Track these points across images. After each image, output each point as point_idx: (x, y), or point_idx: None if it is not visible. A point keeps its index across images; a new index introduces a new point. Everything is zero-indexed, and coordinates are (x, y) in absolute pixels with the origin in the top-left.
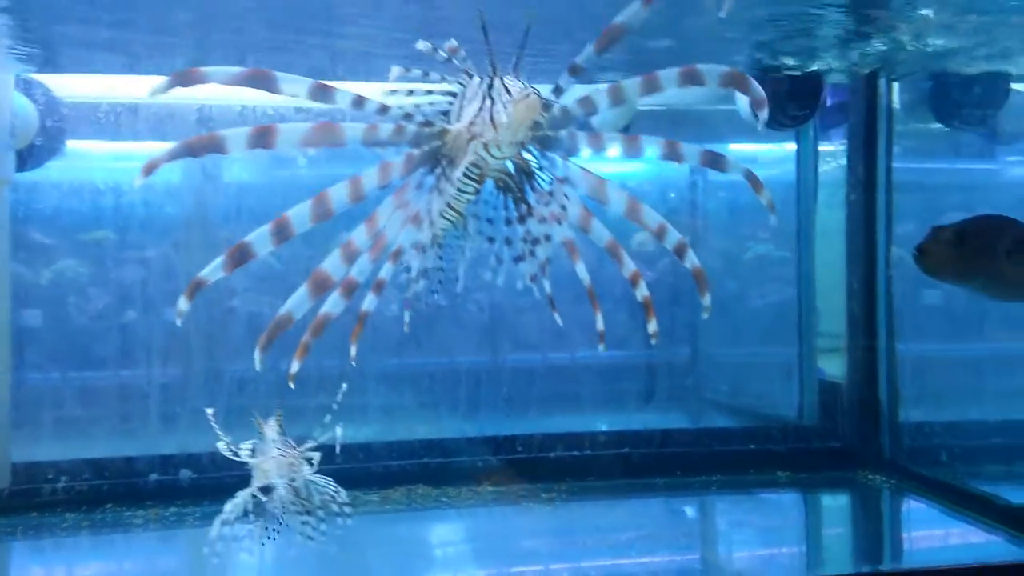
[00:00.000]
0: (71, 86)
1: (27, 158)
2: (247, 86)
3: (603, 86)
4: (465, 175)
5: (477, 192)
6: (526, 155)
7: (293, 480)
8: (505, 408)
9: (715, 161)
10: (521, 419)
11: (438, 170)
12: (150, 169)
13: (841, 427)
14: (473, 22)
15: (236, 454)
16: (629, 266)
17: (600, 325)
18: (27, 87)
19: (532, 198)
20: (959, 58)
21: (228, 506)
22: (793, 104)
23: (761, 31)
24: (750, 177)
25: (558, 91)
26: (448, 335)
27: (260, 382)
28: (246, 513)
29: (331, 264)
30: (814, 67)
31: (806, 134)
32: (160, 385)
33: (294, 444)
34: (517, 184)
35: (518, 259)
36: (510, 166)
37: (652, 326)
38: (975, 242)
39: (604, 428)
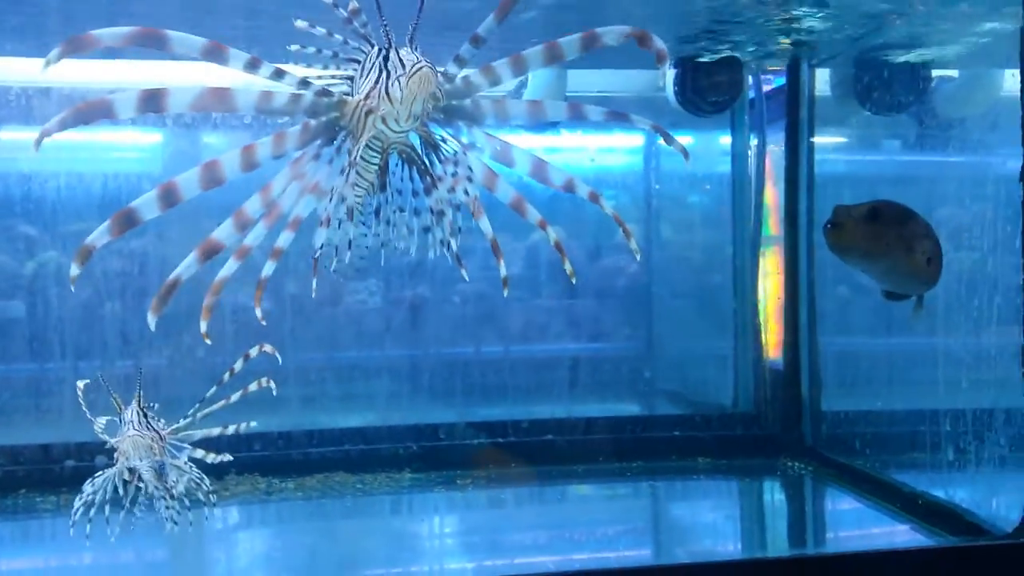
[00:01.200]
0: None
1: None
2: (139, 45)
3: (505, 59)
4: (367, 147)
5: (383, 165)
6: (429, 128)
7: (155, 463)
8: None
9: (620, 117)
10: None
11: (336, 142)
12: (41, 138)
13: (765, 415)
14: None
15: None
16: (534, 215)
17: (503, 272)
18: None
19: (438, 169)
20: (876, 42)
21: (87, 486)
22: (712, 91)
23: (681, 23)
24: (658, 130)
25: (460, 61)
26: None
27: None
28: (116, 494)
29: (223, 232)
30: (731, 53)
31: (740, 124)
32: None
33: (154, 426)
34: (420, 157)
35: (426, 229)
36: (414, 139)
37: (568, 266)
38: (888, 223)
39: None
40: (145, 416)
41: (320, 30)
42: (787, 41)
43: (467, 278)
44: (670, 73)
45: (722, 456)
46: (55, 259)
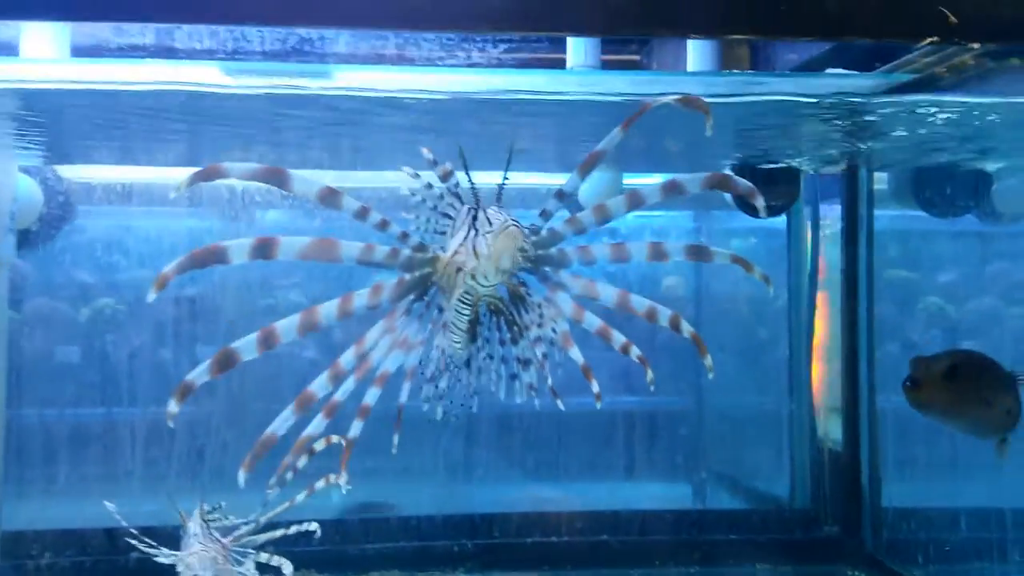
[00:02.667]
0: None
1: (33, 238)
2: (262, 182)
3: (589, 209)
4: (459, 300)
5: (475, 317)
6: (515, 281)
7: (221, 573)
8: None
9: (700, 253)
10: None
11: (427, 297)
12: (162, 283)
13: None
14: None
15: (156, 550)
16: (619, 340)
17: (596, 388)
18: (33, 171)
19: (524, 318)
20: (937, 154)
21: None
22: (768, 196)
23: (743, 142)
24: (739, 261)
25: (545, 215)
26: None
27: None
28: None
29: (318, 385)
30: (792, 163)
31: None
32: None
33: (219, 538)
34: (508, 308)
35: (513, 376)
36: (502, 291)
37: (649, 375)
38: (967, 379)
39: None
40: (208, 526)
41: (422, 178)
42: (845, 157)
43: (563, 407)
44: None
45: (780, 561)
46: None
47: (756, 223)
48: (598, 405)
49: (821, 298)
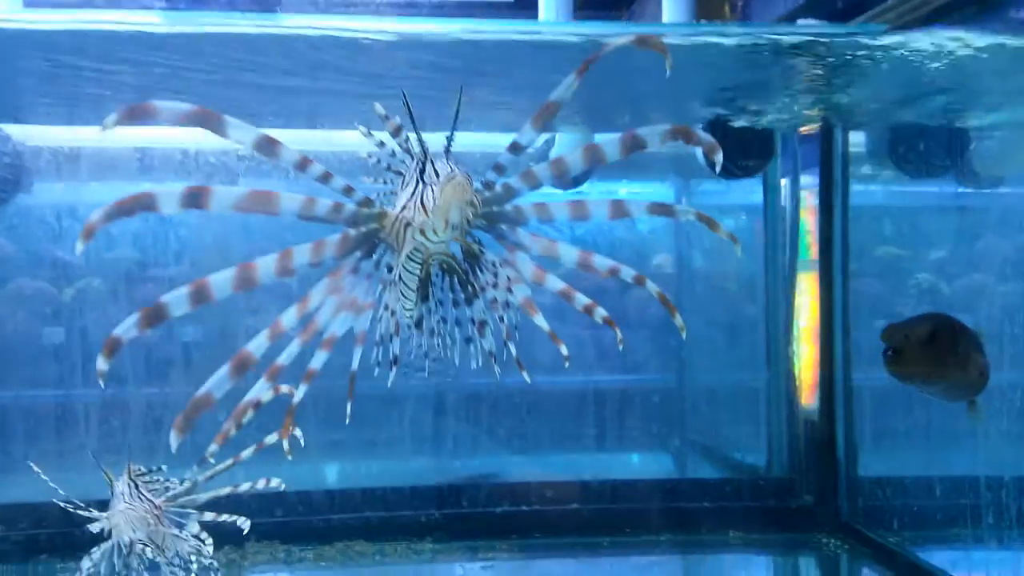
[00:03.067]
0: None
1: None
2: (194, 125)
3: (546, 163)
4: (409, 258)
5: (425, 276)
6: (469, 240)
7: (153, 534)
8: None
9: (664, 210)
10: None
11: (376, 255)
12: (89, 233)
13: (799, 484)
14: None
15: (80, 509)
16: (582, 301)
17: (565, 351)
18: None
19: (480, 279)
20: (914, 107)
21: (85, 563)
22: (743, 155)
23: (718, 97)
24: (703, 219)
25: (499, 169)
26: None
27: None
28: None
29: (256, 345)
30: (764, 121)
31: (774, 167)
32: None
33: (149, 498)
34: (461, 267)
35: (468, 340)
36: (454, 249)
37: (618, 335)
38: (945, 344)
39: None
40: (137, 486)
41: (375, 137)
42: (818, 111)
43: (528, 380)
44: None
45: (754, 529)
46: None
47: (744, 201)
48: (566, 365)
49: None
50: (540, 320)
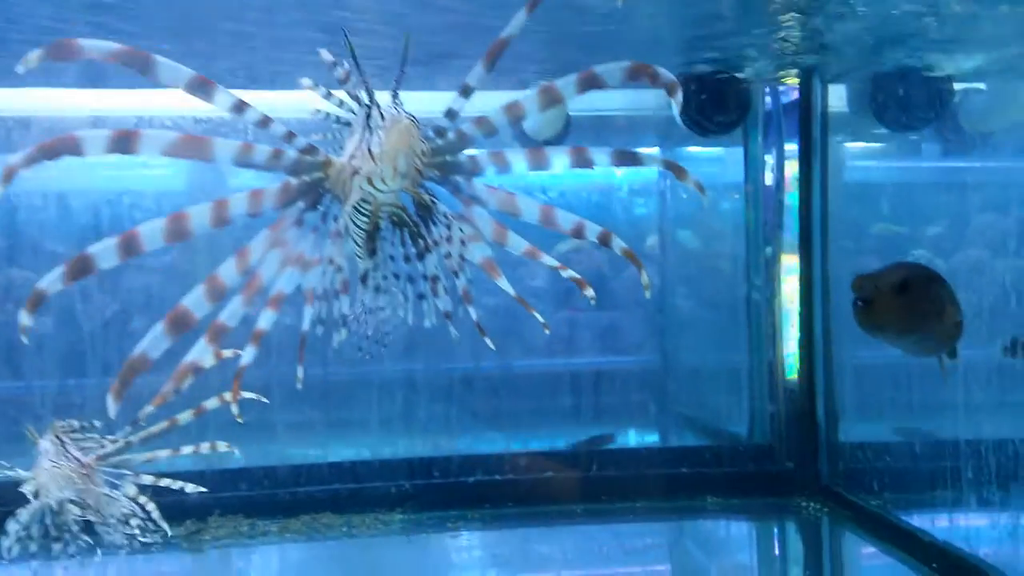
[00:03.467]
0: None
1: None
2: (124, 64)
3: (499, 105)
4: (356, 210)
5: (372, 229)
6: (420, 189)
7: (84, 494)
8: None
9: (628, 158)
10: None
11: (321, 207)
12: (9, 176)
13: (779, 449)
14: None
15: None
16: (550, 261)
17: (542, 318)
18: None
19: (435, 232)
20: (897, 51)
21: (11, 525)
22: (718, 110)
23: (690, 45)
24: (670, 166)
25: (450, 115)
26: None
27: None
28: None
29: (193, 301)
30: (741, 73)
31: (754, 138)
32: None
33: (77, 456)
34: (412, 219)
35: (421, 297)
36: (405, 200)
37: (589, 292)
38: (918, 292)
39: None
40: (63, 444)
41: (321, 89)
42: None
43: (492, 346)
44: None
45: (733, 494)
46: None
47: (727, 179)
48: (547, 332)
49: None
50: (504, 283)
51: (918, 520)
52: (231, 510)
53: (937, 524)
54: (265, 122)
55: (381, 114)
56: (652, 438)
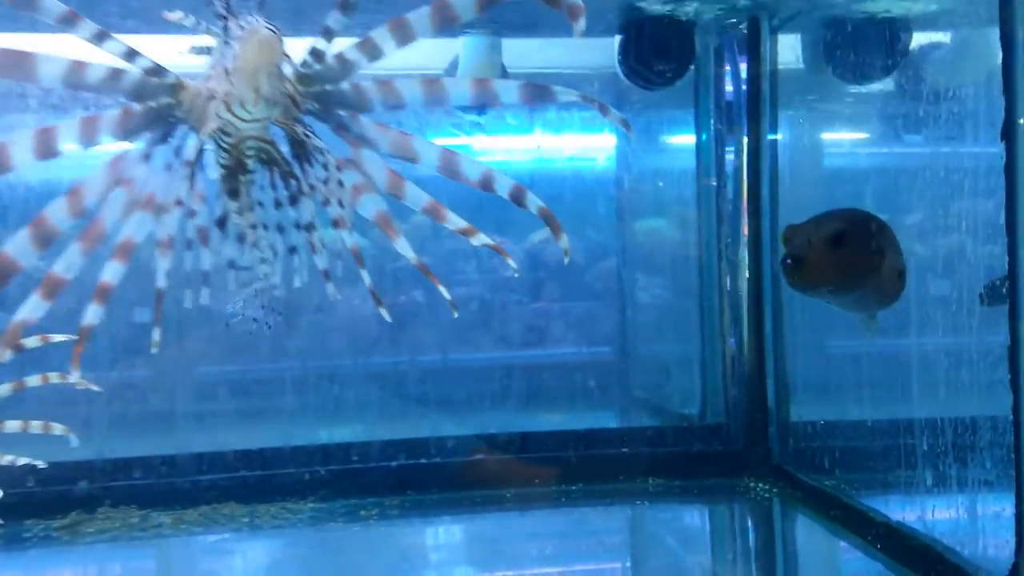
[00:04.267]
0: None
1: None
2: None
3: (384, 27)
4: (217, 144)
5: (233, 166)
6: (295, 123)
7: None
8: None
9: (537, 91)
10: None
11: (174, 140)
12: None
13: (727, 427)
14: None
15: None
16: (457, 223)
17: (447, 294)
18: None
19: (314, 173)
20: None
21: None
22: (659, 58)
23: None
24: (585, 99)
25: (328, 34)
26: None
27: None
28: None
29: (18, 247)
30: (684, 12)
31: (706, 119)
32: None
33: None
34: (282, 157)
35: (292, 250)
36: (272, 134)
37: (511, 263)
38: (856, 243)
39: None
40: None
41: (190, 19)
42: None
43: (388, 318)
44: (615, 41)
45: (676, 475)
46: None
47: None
48: (455, 315)
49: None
50: (403, 246)
51: (871, 500)
52: (123, 500)
53: (891, 503)
54: (102, 36)
55: (240, 25)
56: (603, 421)
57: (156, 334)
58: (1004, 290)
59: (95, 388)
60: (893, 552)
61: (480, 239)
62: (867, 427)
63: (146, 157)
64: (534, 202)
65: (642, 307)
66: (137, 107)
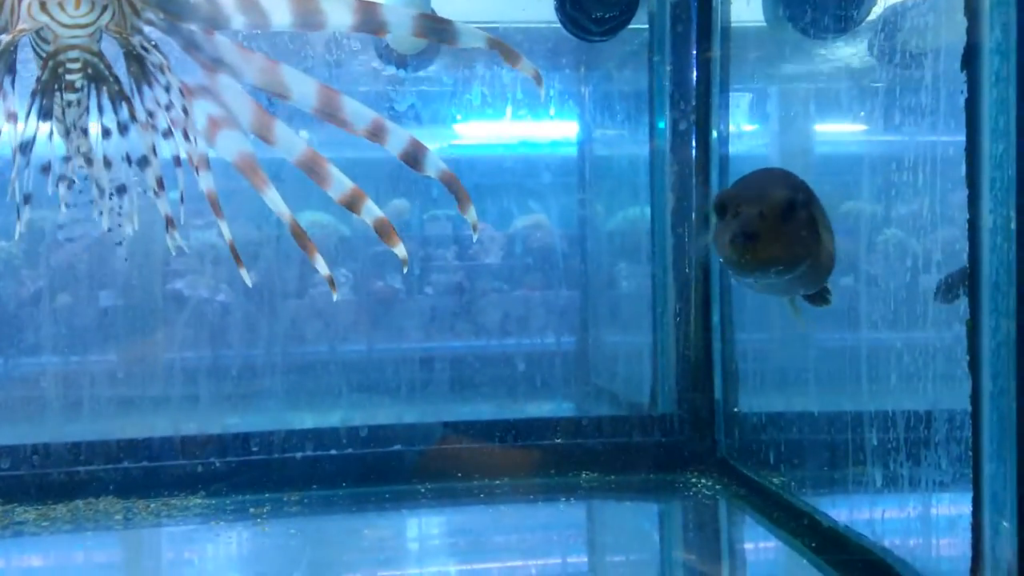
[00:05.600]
0: None
1: None
2: None
3: None
4: (34, 53)
5: (48, 80)
6: (130, 31)
7: None
8: None
9: (433, 23)
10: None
11: None
12: None
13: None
14: None
15: None
16: (343, 184)
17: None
18: None
19: (153, 96)
20: None
21: None
22: (598, 4)
23: None
24: (496, 45)
25: None
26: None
27: None
28: None
29: None
30: None
31: (661, 102)
32: None
33: None
34: (112, 74)
35: (121, 190)
36: (99, 46)
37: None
38: (803, 210)
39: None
40: None
41: None
42: None
43: (249, 282)
44: None
45: (611, 469)
46: None
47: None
48: (334, 297)
49: None
50: (273, 199)
51: (817, 499)
52: None
53: (838, 503)
54: None
55: None
56: (554, 410)
57: None
58: (960, 289)
59: None
60: (841, 562)
61: (368, 213)
62: (815, 419)
63: None
64: (435, 165)
65: (603, 294)
66: None
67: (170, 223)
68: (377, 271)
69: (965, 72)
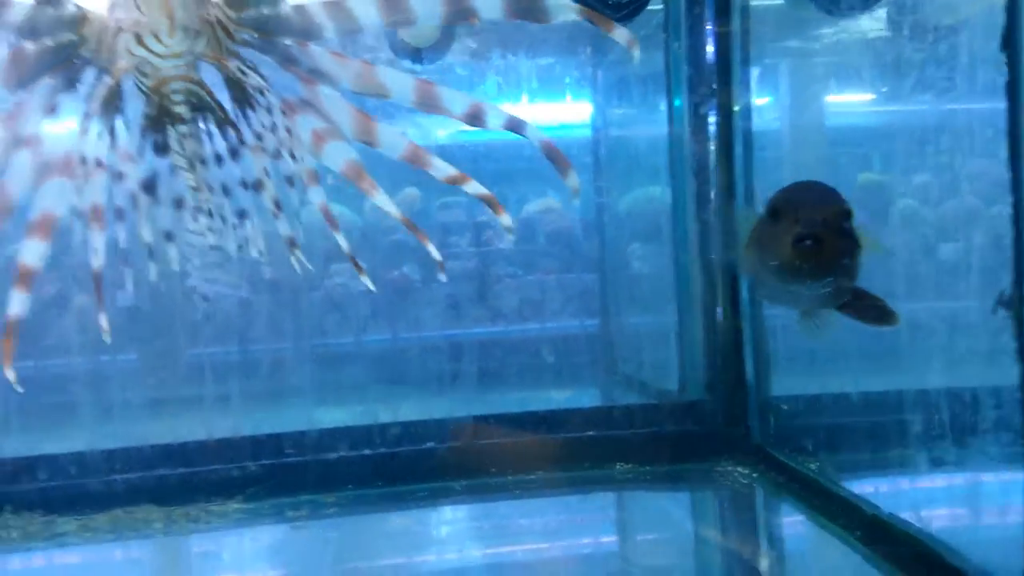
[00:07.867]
0: None
1: None
2: None
3: None
4: (138, 89)
5: (155, 114)
6: (233, 63)
7: None
8: None
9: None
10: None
11: (84, 87)
12: None
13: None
14: None
15: None
16: (443, 169)
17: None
18: None
19: (258, 120)
20: None
21: None
22: None
23: None
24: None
25: None
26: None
27: None
28: None
29: None
30: None
31: (678, 81)
32: None
33: None
34: (216, 101)
35: (242, 215)
36: (208, 76)
37: (505, 219)
38: (851, 226)
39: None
40: None
41: None
42: None
43: (372, 287)
44: None
45: (647, 460)
46: None
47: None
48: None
49: None
50: (383, 201)
51: (859, 485)
52: (27, 506)
53: (880, 490)
54: None
55: None
56: (582, 400)
57: (103, 321)
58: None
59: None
60: (886, 552)
61: (474, 187)
62: (853, 402)
63: (51, 109)
64: (536, 135)
65: (623, 278)
66: (31, 47)
67: (291, 244)
68: (394, 261)
69: (1005, 54)
